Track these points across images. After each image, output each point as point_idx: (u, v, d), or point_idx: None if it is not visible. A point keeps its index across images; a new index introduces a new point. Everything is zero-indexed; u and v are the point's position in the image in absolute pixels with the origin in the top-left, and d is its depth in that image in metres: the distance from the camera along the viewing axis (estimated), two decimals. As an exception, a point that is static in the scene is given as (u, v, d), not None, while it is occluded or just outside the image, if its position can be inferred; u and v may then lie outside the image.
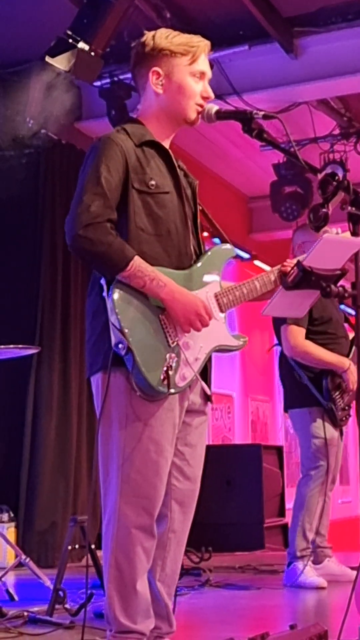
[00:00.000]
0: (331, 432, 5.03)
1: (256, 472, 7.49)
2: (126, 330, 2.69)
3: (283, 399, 5.33)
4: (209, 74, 3.01)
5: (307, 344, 5.03)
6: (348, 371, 5.03)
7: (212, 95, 3.00)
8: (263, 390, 11.56)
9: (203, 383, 2.92)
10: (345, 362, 5.05)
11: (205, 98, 2.98)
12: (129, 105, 6.81)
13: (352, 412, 5.11)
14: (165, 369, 2.73)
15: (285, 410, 5.29)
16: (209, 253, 2.98)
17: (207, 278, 2.93)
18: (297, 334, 5.02)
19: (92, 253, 2.73)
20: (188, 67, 2.96)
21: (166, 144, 3.01)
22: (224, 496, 7.50)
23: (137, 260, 2.73)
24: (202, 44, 2.99)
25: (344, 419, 5.07)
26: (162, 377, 2.72)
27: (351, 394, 5.05)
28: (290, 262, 3.04)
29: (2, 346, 4.52)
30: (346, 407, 5.06)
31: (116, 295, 2.73)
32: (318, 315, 5.08)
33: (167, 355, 2.75)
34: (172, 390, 2.75)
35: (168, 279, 2.79)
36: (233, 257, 3.06)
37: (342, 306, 5.45)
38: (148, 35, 3.00)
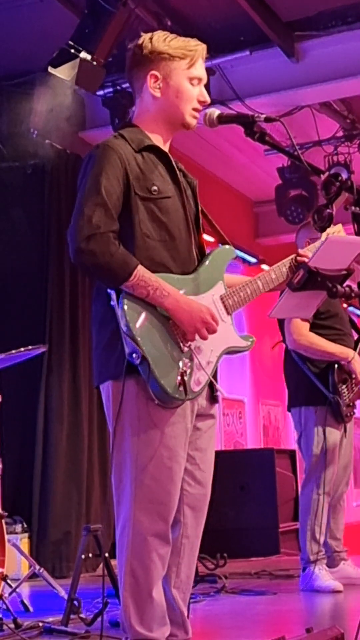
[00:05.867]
0: (333, 437, 5.00)
1: (270, 476, 7.48)
2: (139, 339, 2.68)
3: (287, 398, 5.26)
4: (205, 79, 2.99)
5: (310, 335, 4.99)
6: (353, 361, 5.02)
7: (208, 99, 2.99)
8: (274, 395, 11.53)
9: (216, 384, 2.91)
10: (350, 353, 5.03)
11: (202, 102, 2.97)
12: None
13: (356, 410, 5.10)
14: (180, 374, 2.72)
15: (288, 409, 5.22)
16: (211, 256, 2.96)
17: (211, 281, 2.92)
18: (300, 327, 4.99)
19: (95, 265, 2.70)
20: (186, 72, 2.94)
21: (165, 147, 2.99)
22: (238, 502, 7.48)
23: (141, 270, 2.71)
24: (199, 47, 2.96)
25: (348, 415, 5.04)
26: (177, 383, 2.71)
27: (356, 389, 5.03)
28: (304, 252, 3.02)
29: (14, 351, 4.50)
30: (351, 404, 5.05)
31: (126, 304, 2.71)
32: (324, 309, 5.01)
33: (181, 361, 2.74)
34: (189, 396, 2.74)
35: (172, 288, 2.76)
36: (234, 259, 3.04)
37: (351, 308, 5.43)
38: (145, 38, 2.96)
